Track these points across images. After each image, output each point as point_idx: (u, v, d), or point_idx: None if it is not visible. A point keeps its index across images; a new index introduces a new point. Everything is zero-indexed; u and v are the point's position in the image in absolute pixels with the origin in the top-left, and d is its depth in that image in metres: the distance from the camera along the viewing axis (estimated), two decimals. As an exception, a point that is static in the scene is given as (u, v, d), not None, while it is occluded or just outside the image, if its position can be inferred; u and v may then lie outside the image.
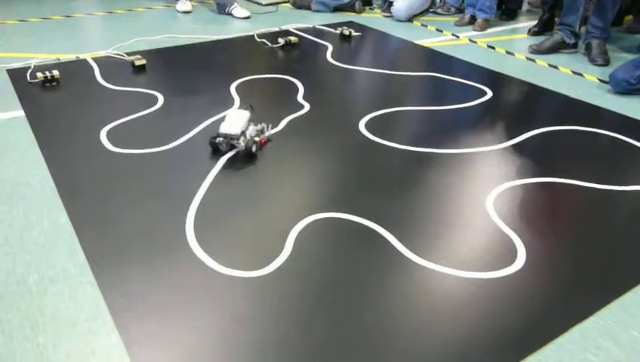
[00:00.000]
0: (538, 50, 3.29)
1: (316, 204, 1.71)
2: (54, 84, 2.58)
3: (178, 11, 4.05)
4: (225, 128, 1.95)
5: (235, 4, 3.96)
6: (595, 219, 1.68)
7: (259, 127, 2.07)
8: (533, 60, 3.19)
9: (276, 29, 3.63)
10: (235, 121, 1.97)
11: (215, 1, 4.04)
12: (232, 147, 2.00)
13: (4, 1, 4.17)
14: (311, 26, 3.73)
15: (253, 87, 2.64)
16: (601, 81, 2.85)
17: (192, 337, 1.21)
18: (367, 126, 2.25)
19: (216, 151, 2.00)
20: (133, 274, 1.39)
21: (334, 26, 3.72)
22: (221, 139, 1.97)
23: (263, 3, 4.33)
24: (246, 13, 3.92)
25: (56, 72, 2.58)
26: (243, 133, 1.98)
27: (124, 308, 1.28)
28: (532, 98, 2.64)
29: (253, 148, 1.96)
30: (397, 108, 2.44)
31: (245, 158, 1.96)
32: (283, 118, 2.29)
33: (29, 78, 2.61)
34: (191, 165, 1.91)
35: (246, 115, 2.00)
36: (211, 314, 1.28)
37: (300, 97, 2.52)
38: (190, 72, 2.82)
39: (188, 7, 4.05)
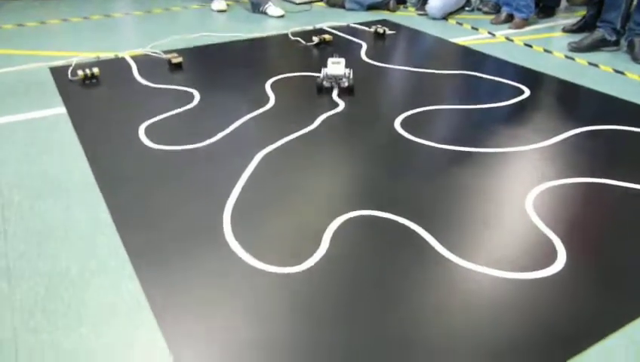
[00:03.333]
0: (577, 48, 3.22)
1: (352, 202, 1.71)
2: (94, 81, 2.64)
3: (213, 10, 4.09)
4: (332, 71, 2.51)
5: (270, 2, 3.99)
6: (637, 221, 1.64)
7: (348, 69, 2.59)
8: (572, 58, 3.12)
9: (310, 27, 3.64)
10: (338, 65, 2.53)
11: (250, 0, 4.07)
12: (338, 86, 2.54)
13: (48, 3, 4.29)
14: (345, 24, 3.73)
15: (288, 84, 2.66)
16: (644, 79, 2.78)
17: (230, 333, 1.23)
18: (403, 124, 2.23)
19: (320, 91, 2.54)
20: (173, 268, 1.42)
21: (368, 24, 3.71)
22: (330, 80, 2.52)
23: (297, 1, 4.34)
24: (280, 12, 3.94)
25: (96, 70, 2.65)
26: (344, 73, 2.52)
27: (164, 302, 1.31)
28: (571, 97, 2.58)
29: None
30: (433, 107, 2.42)
31: (285, 153, 1.97)
32: (318, 116, 2.29)
33: (70, 75, 2.68)
34: (228, 162, 1.93)
35: (343, 60, 2.55)
36: (250, 310, 1.29)
37: (334, 95, 2.52)
38: (225, 69, 2.85)
39: (223, 6, 4.09)
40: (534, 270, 1.42)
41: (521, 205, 1.70)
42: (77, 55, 2.98)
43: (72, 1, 4.35)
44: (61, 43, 3.28)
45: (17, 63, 2.87)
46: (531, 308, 1.30)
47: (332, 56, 2.58)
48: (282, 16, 3.93)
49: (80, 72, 2.62)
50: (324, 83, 2.53)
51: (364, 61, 3.01)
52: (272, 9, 3.95)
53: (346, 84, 2.51)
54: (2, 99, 2.46)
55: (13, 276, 1.39)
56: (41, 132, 2.15)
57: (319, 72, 2.76)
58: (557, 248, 1.51)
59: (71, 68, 2.75)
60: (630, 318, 1.28)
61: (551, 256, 1.47)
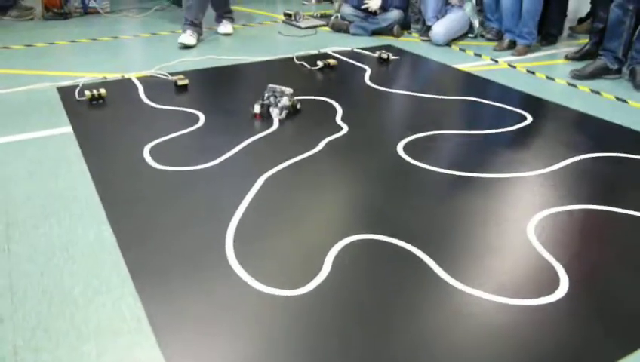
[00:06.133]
0: (580, 76, 3.25)
1: (355, 225, 1.71)
2: (101, 101, 2.67)
3: (219, 33, 4.15)
4: (286, 90, 2.57)
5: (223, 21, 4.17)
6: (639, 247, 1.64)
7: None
8: (574, 86, 3.15)
9: (315, 51, 3.69)
10: (282, 87, 2.57)
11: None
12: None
13: (57, 24, 4.36)
14: (349, 49, 3.78)
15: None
16: (645, 107, 2.80)
17: (230, 354, 1.22)
18: (406, 149, 2.25)
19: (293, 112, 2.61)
20: (174, 288, 1.42)
21: (372, 49, 3.75)
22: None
23: (302, 26, 4.41)
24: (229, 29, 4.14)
25: (102, 91, 2.68)
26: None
27: (165, 321, 1.31)
28: (574, 124, 2.60)
29: None
30: (436, 132, 2.43)
31: (288, 176, 1.98)
32: (322, 140, 2.31)
33: (77, 95, 2.71)
34: (231, 184, 1.94)
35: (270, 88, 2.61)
36: (250, 332, 1.29)
37: (338, 119, 2.54)
38: (231, 92, 2.89)
39: (229, 29, 4.15)
40: (536, 297, 1.42)
41: (523, 231, 1.70)
42: (84, 76, 3.02)
43: (81, 24, 4.42)
44: (69, 64, 3.32)
45: (26, 83, 2.91)
46: (533, 335, 1.30)
47: (267, 92, 2.59)
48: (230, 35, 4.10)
49: (87, 93, 2.65)
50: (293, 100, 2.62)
51: (368, 85, 3.04)
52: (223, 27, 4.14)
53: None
54: (11, 117, 2.49)
55: (15, 294, 1.40)
56: (47, 151, 2.17)
57: (323, 96, 2.80)
58: (559, 275, 1.51)
59: (78, 88, 2.78)
60: (632, 349, 1.27)
61: (553, 283, 1.47)
